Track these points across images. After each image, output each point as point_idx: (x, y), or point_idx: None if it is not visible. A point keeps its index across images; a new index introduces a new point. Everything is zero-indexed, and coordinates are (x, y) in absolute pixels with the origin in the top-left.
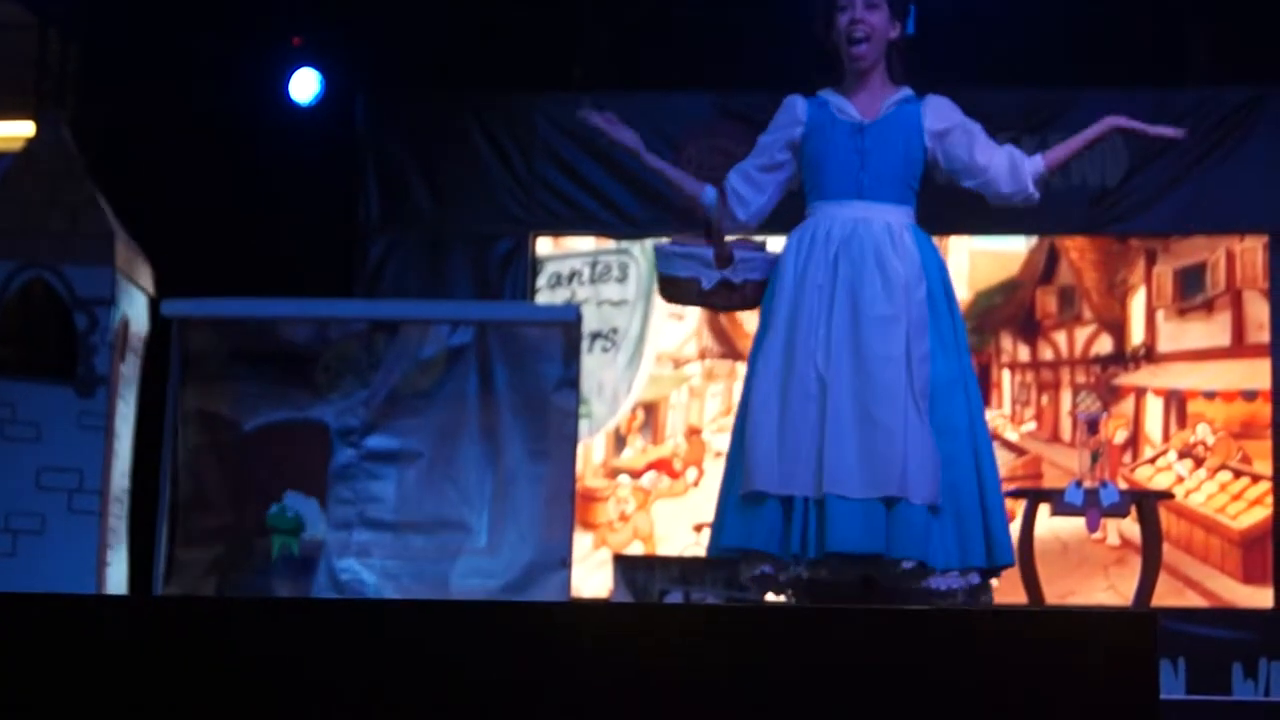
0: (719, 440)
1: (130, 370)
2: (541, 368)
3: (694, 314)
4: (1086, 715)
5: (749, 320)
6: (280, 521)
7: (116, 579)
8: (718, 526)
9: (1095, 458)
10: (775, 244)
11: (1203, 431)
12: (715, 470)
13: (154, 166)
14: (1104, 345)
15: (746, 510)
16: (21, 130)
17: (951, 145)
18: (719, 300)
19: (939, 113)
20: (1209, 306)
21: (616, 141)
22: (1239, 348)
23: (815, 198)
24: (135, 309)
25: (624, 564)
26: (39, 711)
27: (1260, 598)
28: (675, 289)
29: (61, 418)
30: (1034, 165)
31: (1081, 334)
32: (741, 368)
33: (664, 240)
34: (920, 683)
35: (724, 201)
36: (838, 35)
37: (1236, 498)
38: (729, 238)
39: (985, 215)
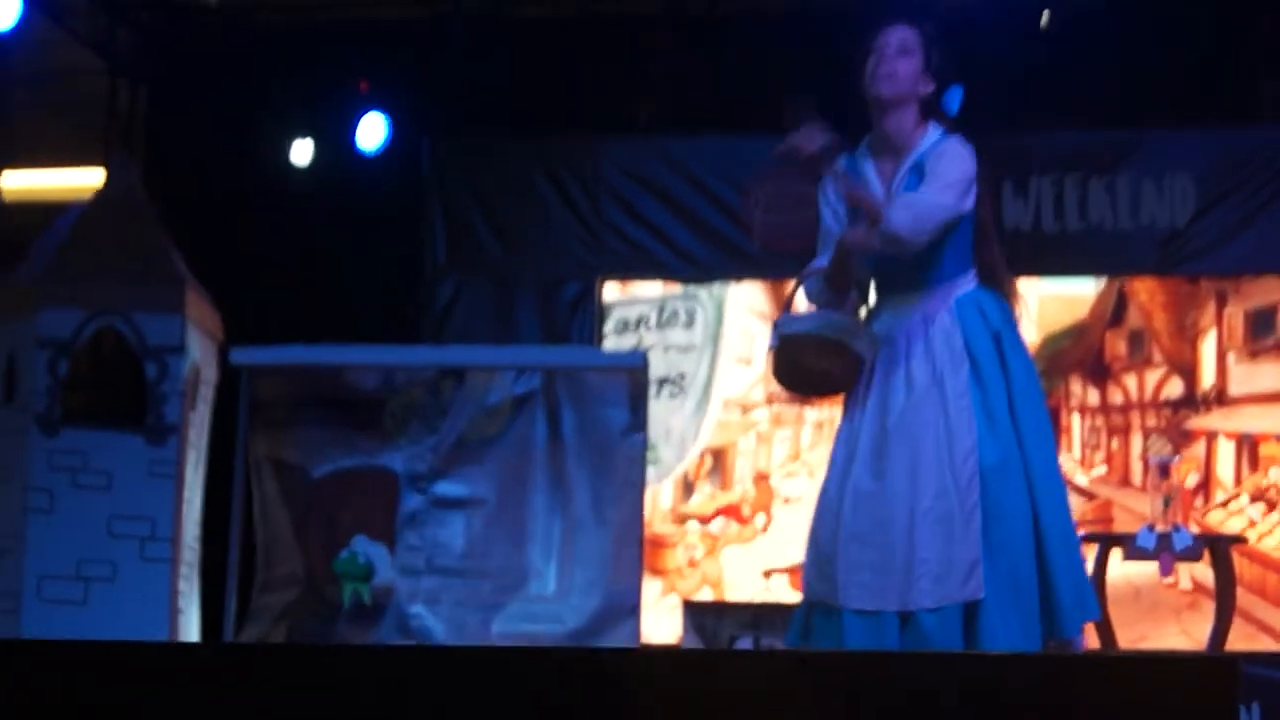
0: (787, 485)
1: (200, 418)
2: (609, 413)
3: (761, 359)
4: None
5: None
6: (350, 568)
7: (188, 626)
8: None
9: (1167, 502)
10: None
11: (1275, 475)
12: (783, 516)
13: (223, 212)
14: (1174, 388)
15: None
16: (92, 178)
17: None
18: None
19: (935, 164)
20: None
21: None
22: None
23: (877, 288)
24: (205, 357)
25: (693, 610)
26: None
27: None
28: (835, 362)
29: (133, 466)
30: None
31: (1152, 377)
32: (810, 413)
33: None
34: None
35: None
36: (866, 85)
37: None
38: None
39: (1053, 258)
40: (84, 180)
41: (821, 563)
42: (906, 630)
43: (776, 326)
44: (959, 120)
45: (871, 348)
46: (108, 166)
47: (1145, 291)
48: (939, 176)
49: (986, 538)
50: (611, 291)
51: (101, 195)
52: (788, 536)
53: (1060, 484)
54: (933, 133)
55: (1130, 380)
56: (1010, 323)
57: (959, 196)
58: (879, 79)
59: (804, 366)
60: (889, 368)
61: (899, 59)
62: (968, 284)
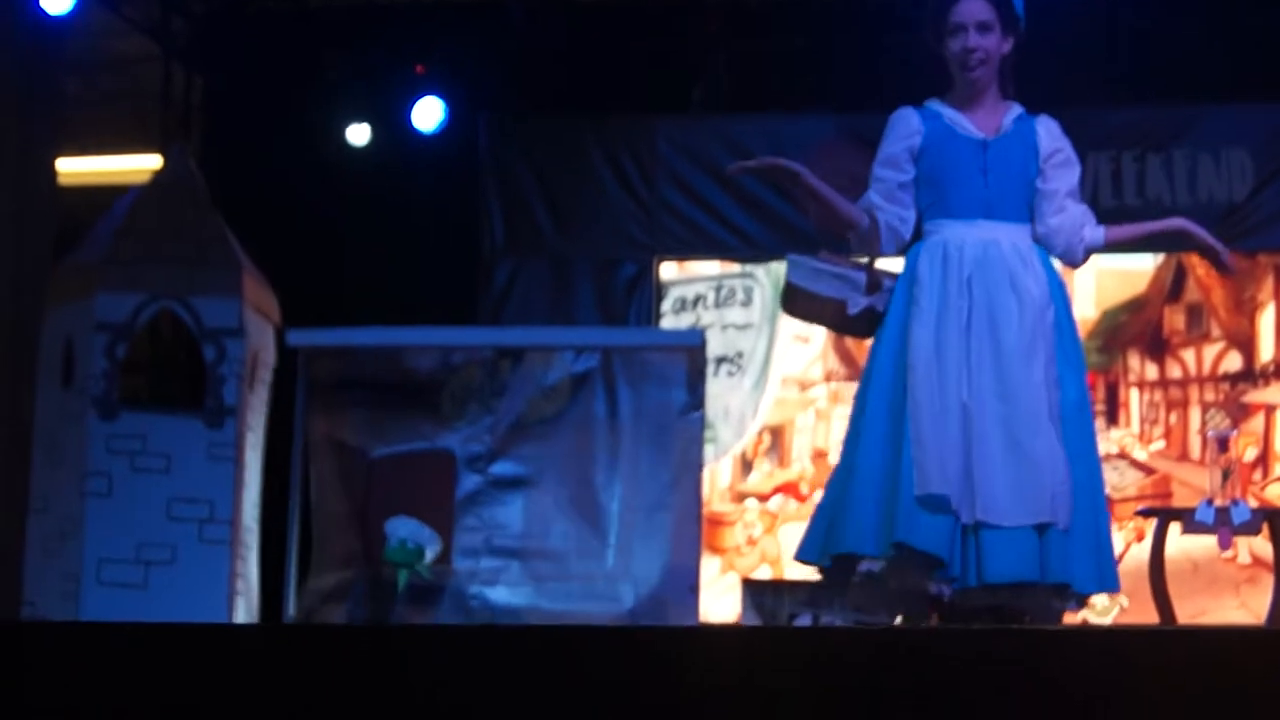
0: None
1: (258, 401)
2: (667, 393)
3: (819, 337)
4: None
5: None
6: (400, 555)
7: (247, 608)
8: (833, 529)
9: (1226, 476)
10: None
11: None
12: None
13: (279, 196)
14: (1233, 362)
15: (920, 511)
16: (148, 163)
17: (1050, 172)
18: (858, 327)
19: (1051, 134)
20: None
21: (775, 170)
22: None
23: (938, 214)
24: (262, 339)
25: (752, 588)
26: None
27: None
28: (811, 306)
29: (191, 449)
30: (1094, 237)
31: (1210, 351)
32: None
33: (803, 256)
34: (1062, 702)
35: (876, 226)
36: (951, 57)
37: None
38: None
39: None
40: (139, 165)
41: (940, 477)
42: (1044, 544)
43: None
44: (1008, 93)
45: (852, 288)
46: (164, 152)
47: (1203, 266)
48: (1072, 168)
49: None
50: (669, 270)
51: (158, 180)
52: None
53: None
54: (1016, 106)
55: (1188, 355)
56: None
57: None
58: (971, 63)
59: (799, 314)
60: (993, 292)
61: (982, 37)
62: (1031, 236)
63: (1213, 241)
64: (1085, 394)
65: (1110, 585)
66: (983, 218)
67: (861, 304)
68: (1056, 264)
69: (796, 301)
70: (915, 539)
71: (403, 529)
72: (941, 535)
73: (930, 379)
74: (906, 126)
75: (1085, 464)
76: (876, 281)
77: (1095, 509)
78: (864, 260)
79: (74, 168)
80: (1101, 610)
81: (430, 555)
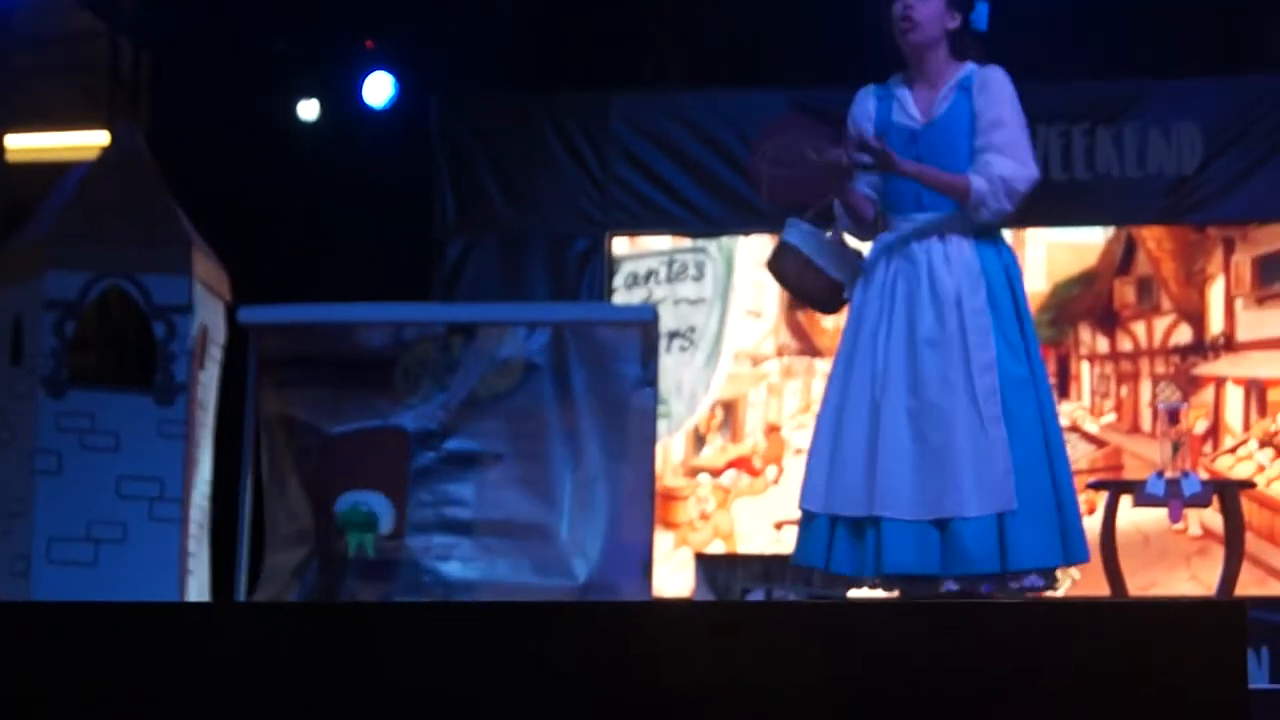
0: (798, 437)
1: (209, 378)
2: (619, 368)
3: (772, 311)
4: (1176, 705)
5: (826, 317)
6: (353, 516)
7: (199, 587)
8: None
9: (1176, 448)
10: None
11: None
12: (795, 467)
13: (229, 173)
14: (1183, 335)
15: (803, 528)
16: (97, 139)
17: (980, 132)
18: (832, 307)
19: (984, 94)
20: None
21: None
22: None
23: (883, 207)
24: (213, 317)
25: (705, 563)
26: (124, 717)
27: None
28: (806, 274)
29: (141, 427)
30: (985, 217)
31: (1160, 324)
32: (820, 364)
33: (809, 224)
34: (1009, 675)
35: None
36: (893, 24)
37: None
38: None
39: (1062, 207)
40: (89, 142)
41: (849, 475)
42: (945, 539)
43: (785, 225)
44: (959, 54)
45: (851, 275)
46: (112, 128)
47: (1153, 239)
48: (1013, 145)
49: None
50: (620, 246)
51: (106, 156)
52: (799, 488)
53: (1060, 432)
54: (968, 64)
55: (1139, 328)
56: (1014, 258)
57: (1030, 151)
58: (902, 28)
59: (789, 278)
60: (913, 285)
61: (920, 4)
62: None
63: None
64: (1029, 369)
65: (1077, 557)
66: (915, 211)
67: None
68: (1010, 236)
69: (790, 265)
70: (796, 555)
71: (365, 498)
72: (815, 545)
73: (835, 380)
74: (862, 111)
75: (1031, 439)
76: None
77: (1050, 483)
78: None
79: (21, 144)
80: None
81: (385, 526)
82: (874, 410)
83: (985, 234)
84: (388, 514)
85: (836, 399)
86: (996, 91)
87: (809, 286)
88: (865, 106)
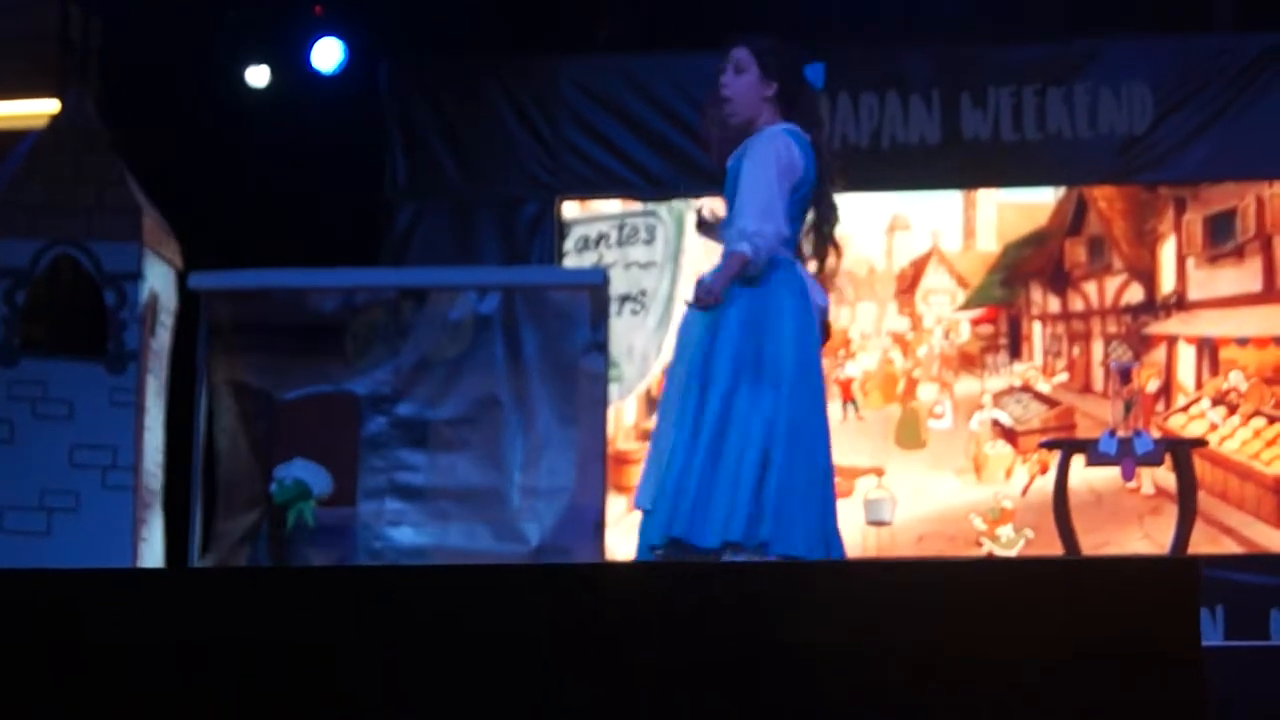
0: None
1: (160, 345)
2: (570, 332)
3: None
4: (1130, 663)
5: None
6: (283, 494)
7: (152, 554)
8: None
9: (1129, 407)
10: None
11: (1235, 378)
12: None
13: (179, 139)
14: (1135, 294)
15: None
16: (46, 107)
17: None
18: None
19: (746, 155)
20: (1239, 253)
21: None
22: (1270, 293)
23: None
24: (163, 284)
25: None
26: (78, 685)
27: None
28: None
29: (93, 395)
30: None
31: (1112, 284)
32: None
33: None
34: (961, 635)
35: None
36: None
37: (1270, 444)
38: None
39: (1012, 167)
40: (36, 109)
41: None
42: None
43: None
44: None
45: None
46: (62, 95)
47: (1104, 199)
48: (743, 184)
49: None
50: (571, 209)
51: (56, 124)
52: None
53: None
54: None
55: (1090, 287)
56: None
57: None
58: (719, 104)
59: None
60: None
61: (734, 78)
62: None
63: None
64: (716, 401)
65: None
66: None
67: None
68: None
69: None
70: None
71: (293, 470)
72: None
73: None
74: None
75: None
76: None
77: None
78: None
79: None
80: (1007, 543)
81: (319, 492)
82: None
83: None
84: (322, 483)
85: None
86: (751, 148)
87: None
88: None
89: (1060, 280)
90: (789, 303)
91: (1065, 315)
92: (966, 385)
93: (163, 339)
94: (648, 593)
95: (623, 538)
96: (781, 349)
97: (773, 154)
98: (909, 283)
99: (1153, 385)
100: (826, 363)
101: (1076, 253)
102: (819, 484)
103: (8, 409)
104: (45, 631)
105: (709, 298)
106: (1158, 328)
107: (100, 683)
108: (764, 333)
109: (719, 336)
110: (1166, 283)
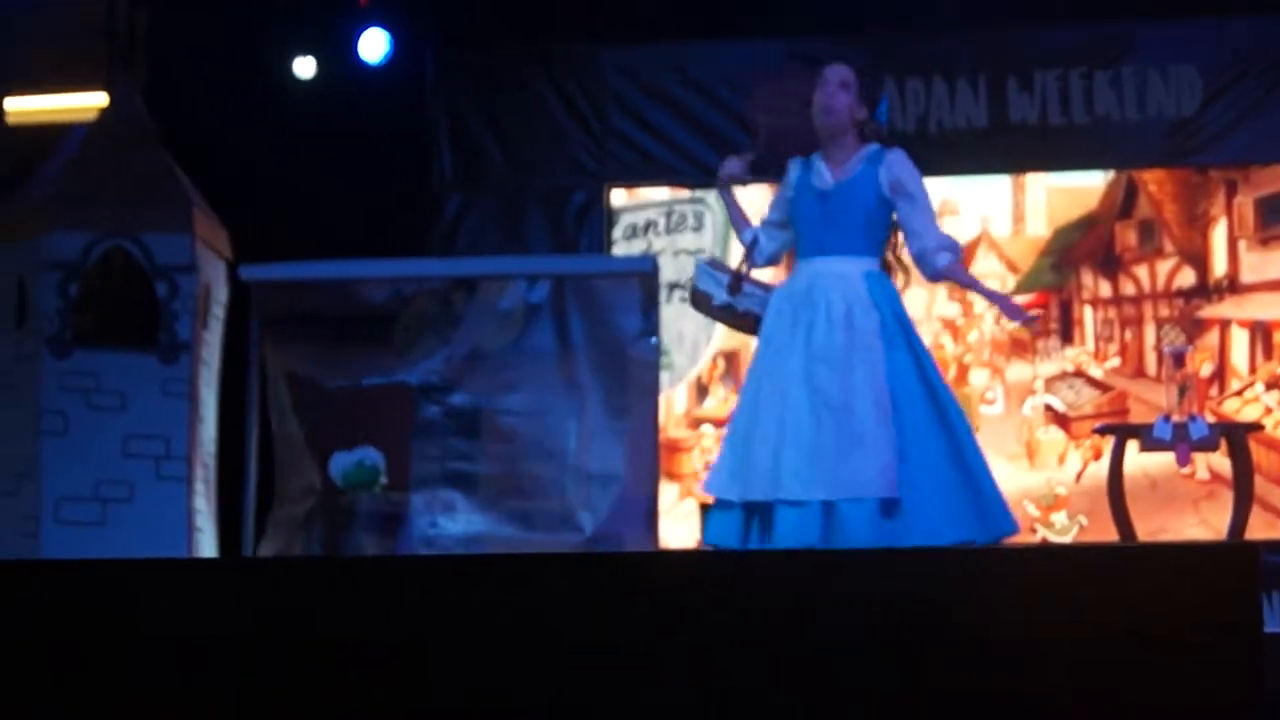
0: None
1: (212, 336)
2: (620, 320)
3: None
4: (1193, 648)
5: None
6: (357, 477)
7: (207, 544)
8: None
9: (1183, 391)
10: None
11: None
12: None
13: (227, 131)
14: (1186, 278)
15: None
16: (95, 100)
17: (897, 205)
18: (724, 317)
19: (891, 171)
20: None
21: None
22: None
23: (797, 254)
24: (214, 275)
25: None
26: (135, 673)
27: None
28: (695, 298)
29: (146, 386)
30: (941, 263)
31: (1163, 267)
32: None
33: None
34: (1021, 621)
35: (755, 243)
36: (814, 110)
37: None
38: (760, 273)
39: (1061, 151)
40: (86, 102)
41: (756, 464)
42: (830, 518)
43: (695, 268)
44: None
45: (760, 304)
46: (110, 88)
47: (1154, 182)
48: (915, 199)
49: (903, 451)
50: (619, 197)
51: (105, 117)
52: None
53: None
54: (873, 144)
55: (1142, 271)
56: (895, 289)
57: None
58: (821, 111)
59: (709, 315)
60: (811, 312)
61: (839, 93)
62: (873, 265)
63: (1012, 313)
64: (920, 384)
65: (998, 529)
66: (818, 255)
67: (723, 299)
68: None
69: (690, 295)
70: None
71: (357, 455)
72: (729, 528)
73: (745, 398)
74: (786, 180)
75: (931, 440)
76: (736, 285)
77: (956, 470)
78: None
79: (20, 106)
80: (1061, 529)
81: (383, 479)
82: (781, 409)
83: (876, 276)
84: (380, 463)
85: (750, 408)
86: (903, 167)
87: (700, 306)
88: (789, 177)
89: (1111, 264)
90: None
91: (1117, 299)
92: (1018, 371)
93: (214, 330)
94: (707, 581)
95: (675, 526)
96: None
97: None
98: None
99: (1206, 369)
100: None
101: (1127, 236)
102: None
103: (61, 400)
104: (101, 621)
105: (1024, 317)
106: (1210, 311)
107: (154, 672)
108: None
109: (915, 337)
110: (1218, 266)
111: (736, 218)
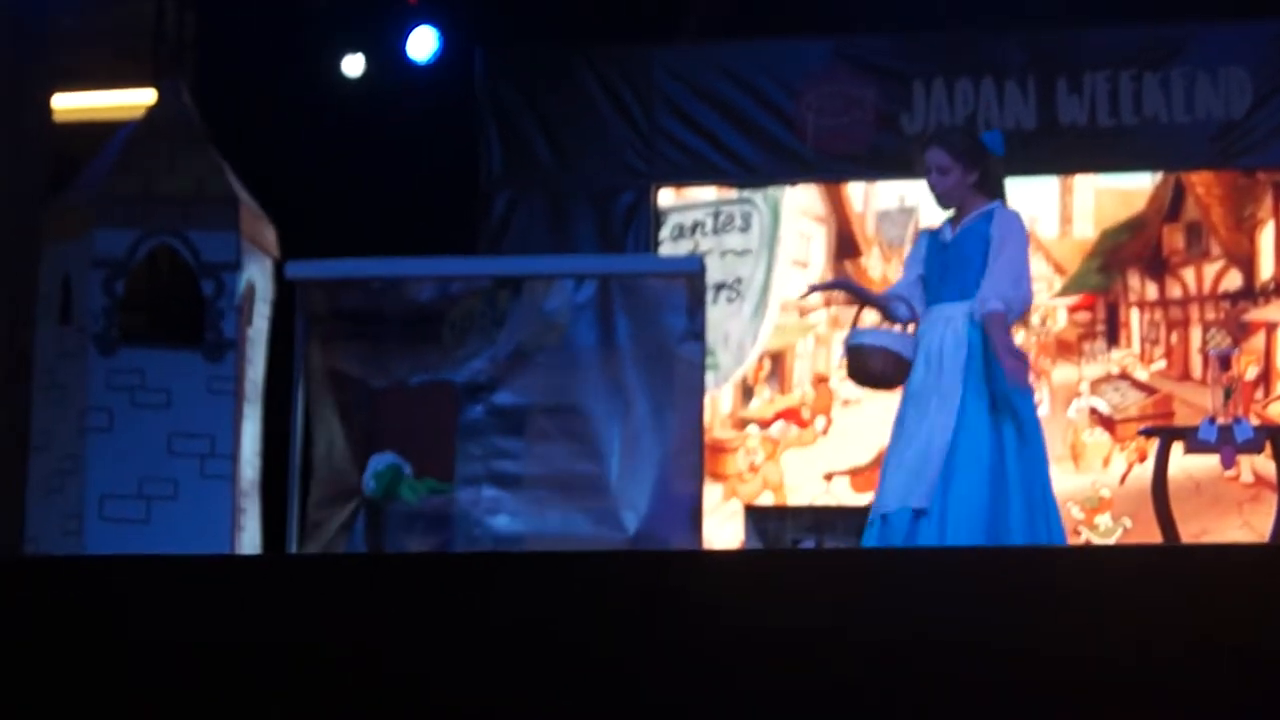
0: (846, 388)
1: (257, 334)
2: (666, 320)
3: (818, 262)
4: (1235, 652)
5: (872, 267)
6: (380, 483)
7: (250, 542)
8: None
9: (1228, 394)
10: None
11: None
12: (843, 418)
13: (274, 129)
14: (1233, 281)
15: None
16: (143, 98)
17: (991, 253)
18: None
19: (997, 225)
20: None
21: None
22: None
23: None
24: (261, 273)
25: (755, 515)
26: (179, 670)
27: None
28: (893, 363)
29: (191, 383)
30: (986, 309)
31: (1210, 270)
32: (867, 314)
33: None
34: (1066, 622)
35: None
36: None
37: None
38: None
39: (1109, 153)
40: (133, 100)
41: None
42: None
43: (850, 336)
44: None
45: (913, 351)
46: (158, 86)
47: (1202, 185)
48: (1004, 256)
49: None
50: (666, 197)
51: (152, 115)
52: (848, 439)
53: (1041, 466)
54: (996, 201)
55: (1188, 274)
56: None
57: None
58: (938, 198)
59: (869, 370)
60: (919, 354)
61: (942, 179)
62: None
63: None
64: (987, 412)
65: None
66: (934, 303)
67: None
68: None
69: (879, 363)
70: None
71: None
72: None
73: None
74: (917, 252)
75: (977, 459)
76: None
77: (988, 496)
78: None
79: (68, 104)
80: (1105, 532)
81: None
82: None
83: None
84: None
85: (897, 427)
86: (1008, 222)
87: (895, 372)
88: (919, 249)
89: (1158, 266)
90: None
91: (1163, 302)
92: (1064, 373)
93: (260, 328)
94: (751, 581)
95: (719, 527)
96: None
97: (1025, 234)
98: None
99: (1252, 372)
100: None
101: (1174, 239)
102: None
103: (107, 398)
104: (144, 617)
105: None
106: (1257, 314)
107: (198, 669)
108: None
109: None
110: (1266, 268)
111: (869, 298)
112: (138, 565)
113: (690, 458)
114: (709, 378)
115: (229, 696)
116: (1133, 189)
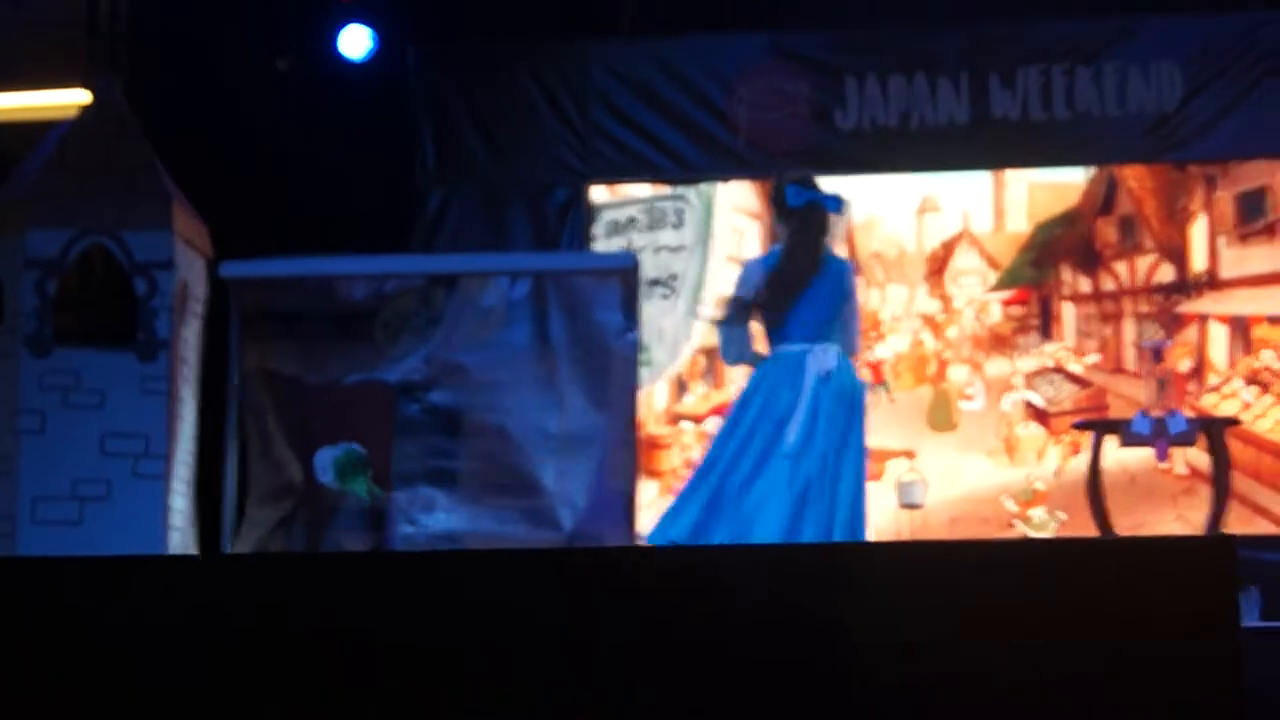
0: None
1: (191, 333)
2: (601, 316)
3: (751, 255)
4: (1168, 643)
5: None
6: (341, 469)
7: (184, 543)
8: None
9: (1161, 387)
10: None
11: (1268, 357)
12: None
13: (208, 126)
14: (1166, 274)
15: None
16: (75, 96)
17: None
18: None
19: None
20: (1271, 230)
21: None
22: None
23: None
24: (193, 272)
25: None
26: (111, 672)
27: None
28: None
29: (124, 384)
30: None
31: (1143, 263)
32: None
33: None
34: (997, 615)
35: None
36: None
37: None
38: None
39: (1042, 147)
40: (67, 99)
41: None
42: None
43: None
44: None
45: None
46: (91, 84)
47: (1135, 178)
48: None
49: None
50: (600, 194)
51: (85, 113)
52: None
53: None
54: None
55: (1121, 267)
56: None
57: None
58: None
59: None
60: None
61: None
62: None
63: None
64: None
65: None
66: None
67: None
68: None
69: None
70: None
71: (335, 450)
72: None
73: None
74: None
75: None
76: None
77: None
78: None
79: (1, 103)
80: (1039, 525)
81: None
82: None
83: None
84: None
85: None
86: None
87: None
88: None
89: (1091, 260)
90: None
91: (1096, 295)
92: (998, 366)
93: (193, 327)
94: (685, 577)
95: (654, 523)
96: None
97: None
98: (939, 264)
99: (1185, 365)
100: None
101: (1107, 232)
102: None
103: (39, 399)
104: (76, 619)
105: None
106: (1189, 307)
107: (131, 671)
108: None
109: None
110: (1198, 261)
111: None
112: (70, 567)
113: (625, 454)
114: (643, 374)
115: (159, 698)
116: (1066, 183)
